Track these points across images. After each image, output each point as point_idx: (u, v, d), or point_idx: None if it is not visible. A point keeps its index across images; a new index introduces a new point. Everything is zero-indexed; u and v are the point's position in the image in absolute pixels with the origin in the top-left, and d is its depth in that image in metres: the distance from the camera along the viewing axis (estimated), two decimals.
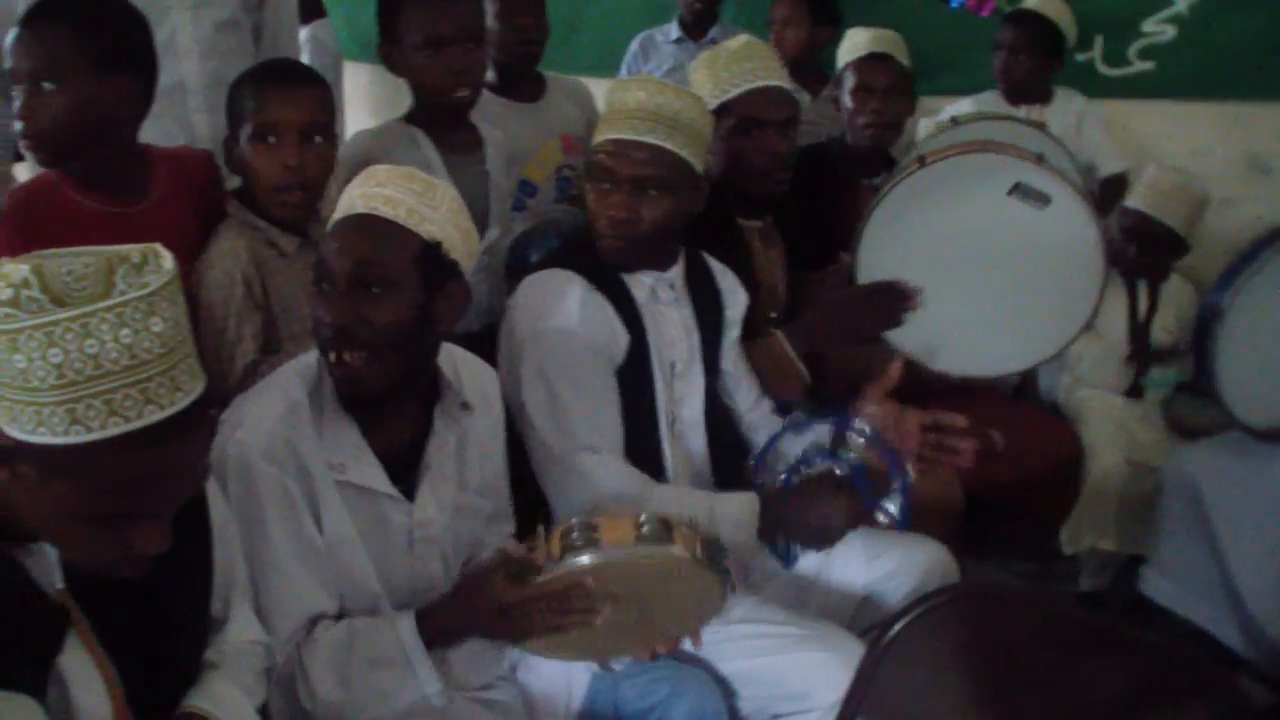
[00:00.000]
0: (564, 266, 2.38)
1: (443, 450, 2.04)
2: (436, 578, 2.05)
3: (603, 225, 2.35)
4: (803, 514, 2.23)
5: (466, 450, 2.10)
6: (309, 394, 1.93)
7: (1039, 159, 2.64)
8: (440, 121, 2.77)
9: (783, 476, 2.39)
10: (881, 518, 2.24)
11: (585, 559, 1.82)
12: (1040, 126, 3.21)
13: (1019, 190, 2.62)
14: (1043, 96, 4.18)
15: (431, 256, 1.90)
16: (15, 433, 1.30)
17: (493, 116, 3.10)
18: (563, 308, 2.30)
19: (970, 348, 2.78)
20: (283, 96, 2.30)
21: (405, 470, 2.01)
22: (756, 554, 2.30)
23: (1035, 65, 4.10)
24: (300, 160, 2.29)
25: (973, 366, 2.83)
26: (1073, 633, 1.72)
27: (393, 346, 1.88)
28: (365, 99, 5.15)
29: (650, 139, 2.32)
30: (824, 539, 2.23)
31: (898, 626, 1.74)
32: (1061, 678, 1.70)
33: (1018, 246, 2.65)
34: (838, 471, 2.26)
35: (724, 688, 2.21)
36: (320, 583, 1.92)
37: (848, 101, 3.61)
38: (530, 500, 2.31)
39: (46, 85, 2.15)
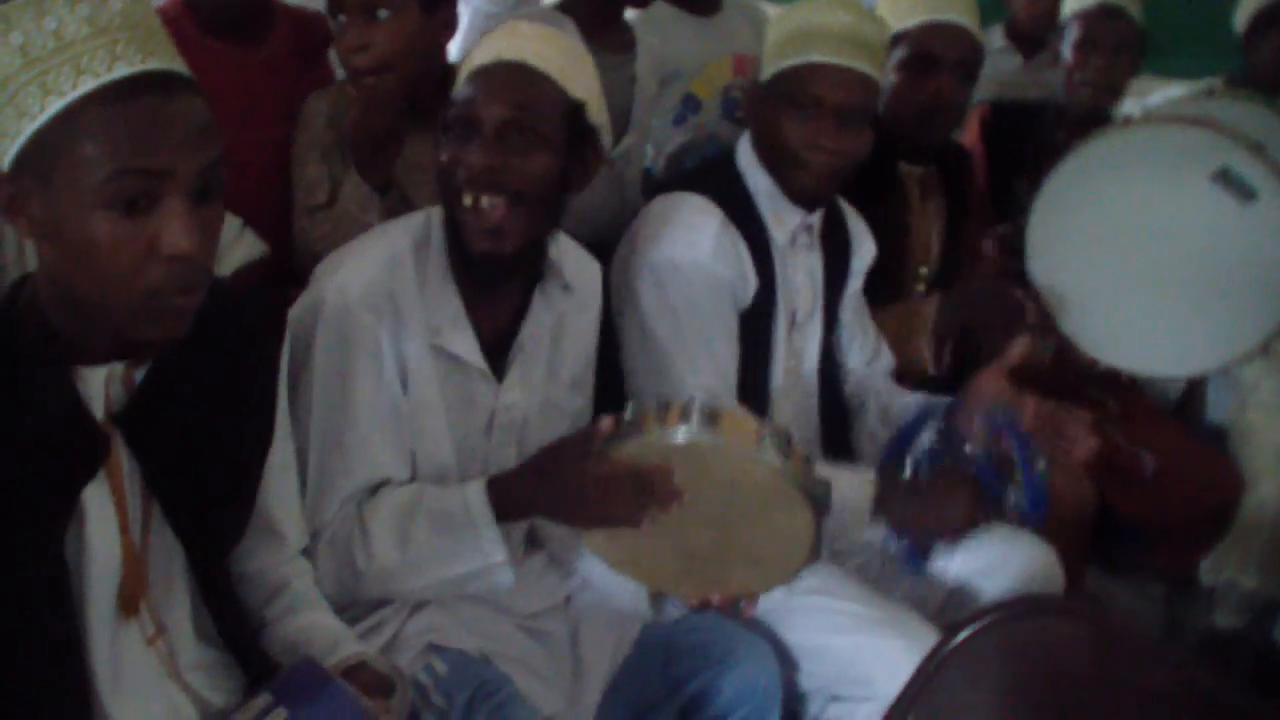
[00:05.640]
0: (705, 192, 2.25)
1: (538, 332, 1.97)
2: (508, 467, 1.95)
3: (805, 154, 2.20)
4: (923, 506, 2.11)
5: (563, 339, 2.02)
6: (414, 250, 1.88)
7: (1257, 148, 2.40)
8: (595, 15, 2.64)
9: (907, 468, 2.23)
10: (1010, 510, 2.10)
11: (699, 436, 1.68)
12: None
13: (1224, 177, 2.38)
14: (1269, 88, 3.83)
15: (577, 117, 1.85)
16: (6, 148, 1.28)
17: (664, 26, 2.99)
18: (695, 240, 2.18)
19: (1126, 338, 2.56)
20: None
21: (499, 350, 1.94)
22: (860, 537, 2.16)
23: None
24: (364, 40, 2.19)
25: (1123, 359, 2.61)
26: (1161, 677, 1.54)
27: (536, 199, 1.82)
28: None
29: (859, 66, 2.18)
30: (946, 534, 2.13)
31: (965, 633, 1.61)
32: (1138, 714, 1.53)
33: (1207, 239, 2.44)
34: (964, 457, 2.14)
35: (786, 658, 2.08)
36: (396, 448, 1.85)
37: (1068, 56, 3.24)
38: None
39: None
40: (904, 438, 2.24)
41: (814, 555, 1.79)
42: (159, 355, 1.44)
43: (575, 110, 1.85)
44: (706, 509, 1.73)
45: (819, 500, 1.74)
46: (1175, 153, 2.43)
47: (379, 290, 1.82)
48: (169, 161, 1.27)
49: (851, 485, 2.08)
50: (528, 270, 1.94)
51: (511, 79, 1.81)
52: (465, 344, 1.88)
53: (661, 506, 1.72)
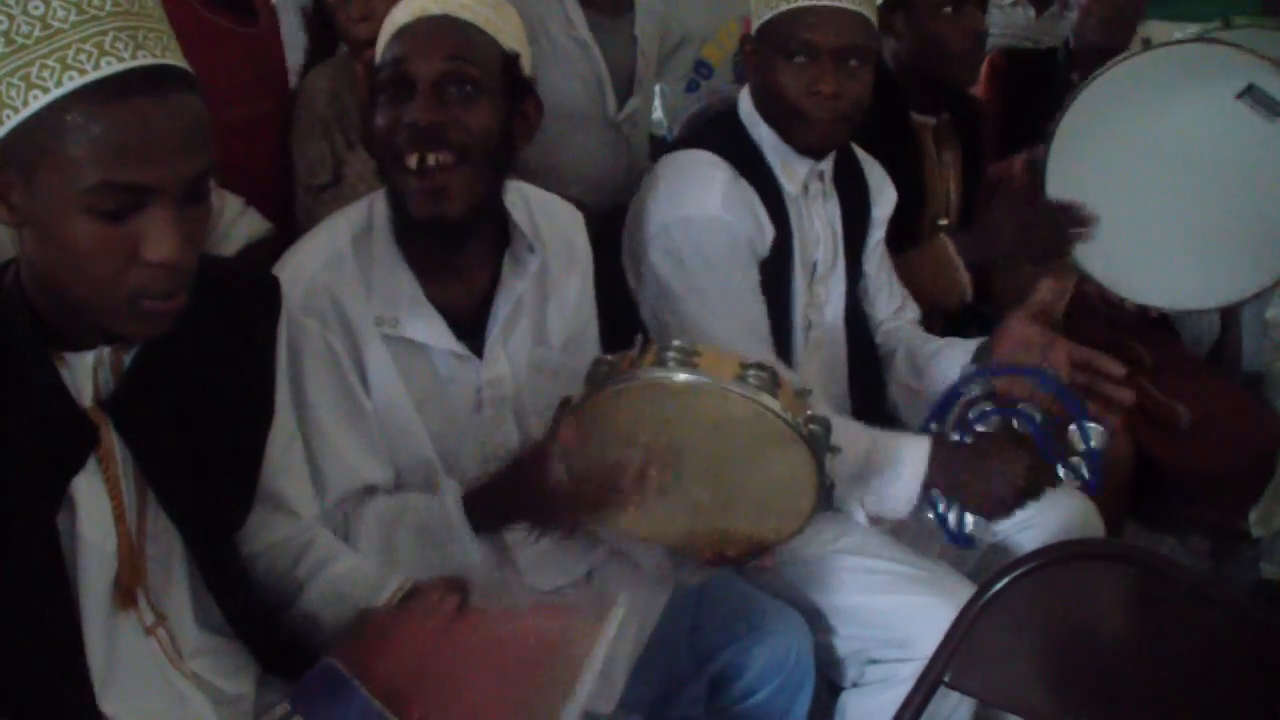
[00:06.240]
0: (711, 148, 2.18)
1: (513, 300, 1.87)
2: (510, 440, 1.88)
3: (804, 103, 2.11)
4: (977, 472, 1.95)
5: (546, 301, 1.93)
6: (355, 242, 1.79)
7: None
8: None
9: (954, 434, 2.08)
10: (1066, 478, 1.96)
11: (678, 376, 1.61)
12: None
13: (1250, 94, 2.32)
14: None
15: (512, 68, 1.77)
16: None
17: None
18: (705, 194, 2.11)
19: (1154, 272, 2.51)
20: None
21: (475, 325, 1.85)
22: (912, 508, 2.02)
23: None
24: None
25: (1152, 295, 2.56)
26: (1210, 616, 1.47)
27: (481, 155, 1.72)
28: None
29: (849, 4, 2.09)
30: (1000, 505, 1.97)
31: (1002, 583, 1.55)
32: (1184, 662, 1.46)
33: (1235, 159, 2.39)
34: (1016, 425, 1.98)
35: (821, 622, 2.03)
36: (370, 450, 1.78)
37: None
38: None
39: None
40: (948, 399, 2.10)
41: (822, 497, 1.69)
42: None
43: (510, 61, 1.76)
44: (697, 458, 1.66)
45: (814, 436, 1.64)
46: (1198, 72, 2.38)
47: (319, 293, 1.74)
48: (155, 176, 1.22)
49: (908, 450, 1.99)
50: (491, 237, 1.85)
51: (441, 32, 1.72)
52: (429, 328, 1.80)
53: (636, 498, 1.65)
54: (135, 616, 1.43)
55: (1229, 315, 3.39)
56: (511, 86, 1.76)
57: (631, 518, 1.74)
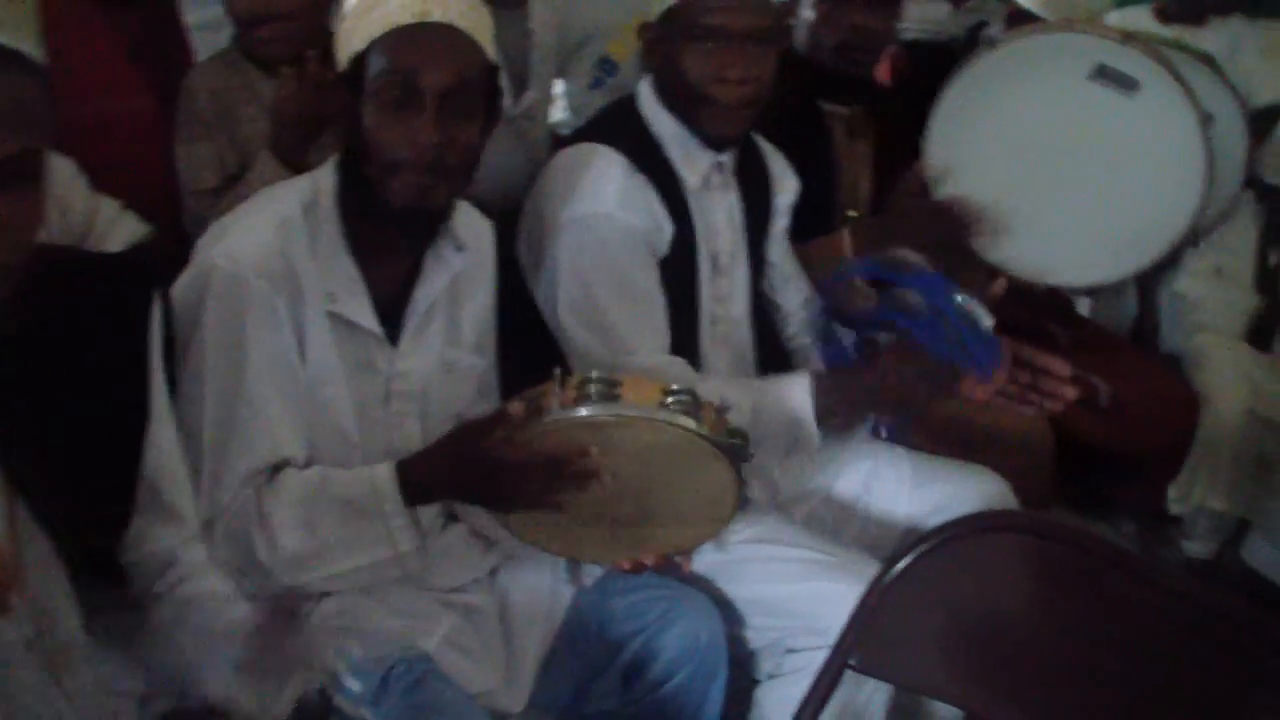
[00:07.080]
0: (608, 141, 2.14)
1: (433, 296, 1.85)
2: (413, 440, 1.85)
3: (713, 90, 2.08)
4: (871, 389, 2.01)
5: (462, 300, 1.92)
6: (305, 213, 1.77)
7: (1126, 37, 2.39)
8: None
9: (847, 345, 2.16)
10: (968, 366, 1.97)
11: (600, 411, 1.62)
12: (1208, 61, 2.95)
13: (1102, 74, 2.35)
14: (1198, 16, 3.75)
15: (493, 79, 1.80)
16: None
17: None
18: (601, 191, 2.08)
19: (1047, 251, 2.49)
20: None
21: (393, 315, 1.83)
22: (814, 444, 2.03)
23: None
24: None
25: (1048, 272, 2.55)
26: (1118, 584, 1.44)
27: (465, 171, 1.76)
28: None
29: None
30: (906, 406, 2.04)
31: (907, 560, 1.51)
32: (1093, 633, 1.43)
33: (1104, 138, 2.39)
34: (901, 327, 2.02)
35: (732, 615, 1.99)
36: (294, 423, 1.74)
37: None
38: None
39: None
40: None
41: (742, 503, 1.73)
42: (6, 329, 1.31)
43: (492, 73, 1.78)
44: (623, 480, 1.67)
45: (736, 451, 1.68)
46: (1047, 62, 2.40)
47: (273, 255, 1.71)
48: None
49: (790, 386, 2.01)
50: (422, 231, 1.83)
51: (449, 42, 1.71)
52: (362, 309, 1.78)
53: (578, 487, 1.65)
54: (13, 627, 1.34)
55: (1145, 296, 3.40)
56: (489, 101, 1.79)
57: (552, 528, 1.74)
